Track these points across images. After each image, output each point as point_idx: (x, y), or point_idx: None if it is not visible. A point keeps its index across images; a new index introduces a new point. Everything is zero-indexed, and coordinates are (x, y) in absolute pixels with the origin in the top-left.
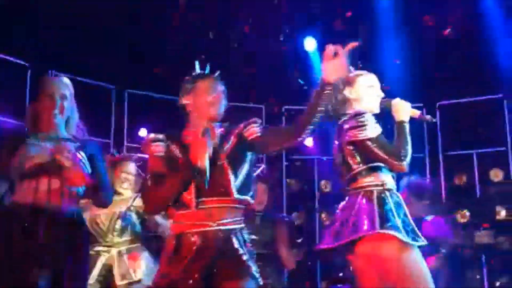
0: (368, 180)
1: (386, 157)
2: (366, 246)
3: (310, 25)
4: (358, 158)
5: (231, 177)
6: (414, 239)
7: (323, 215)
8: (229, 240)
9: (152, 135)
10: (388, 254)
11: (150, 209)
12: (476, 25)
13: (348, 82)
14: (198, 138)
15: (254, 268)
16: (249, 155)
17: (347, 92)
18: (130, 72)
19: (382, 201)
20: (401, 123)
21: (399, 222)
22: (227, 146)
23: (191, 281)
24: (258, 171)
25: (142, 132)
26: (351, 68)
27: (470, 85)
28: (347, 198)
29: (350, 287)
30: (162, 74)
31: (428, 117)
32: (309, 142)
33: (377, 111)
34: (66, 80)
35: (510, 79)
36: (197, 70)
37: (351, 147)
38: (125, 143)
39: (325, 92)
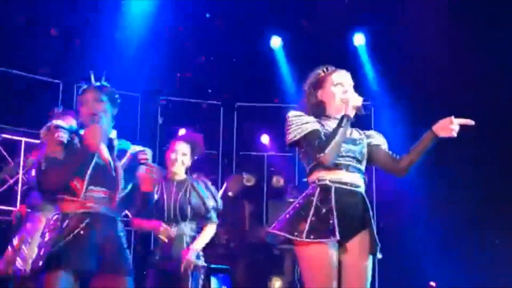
0: (309, 179)
1: (311, 152)
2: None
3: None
4: (302, 158)
5: (121, 179)
6: (319, 236)
7: None
8: (115, 226)
9: (57, 122)
10: (296, 252)
11: (46, 188)
12: None
13: (319, 84)
14: (92, 125)
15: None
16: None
17: (318, 95)
18: None
19: (304, 199)
20: (345, 116)
21: (309, 220)
22: (124, 158)
23: (77, 252)
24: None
25: None
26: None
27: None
28: None
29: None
30: None
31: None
32: (265, 139)
33: (348, 109)
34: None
35: None
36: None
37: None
38: None
39: None
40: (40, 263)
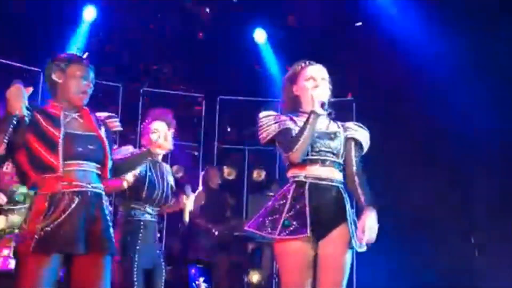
0: (287, 175)
1: (282, 149)
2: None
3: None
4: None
5: (108, 151)
6: (291, 233)
7: None
8: (102, 205)
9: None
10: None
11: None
12: None
13: (294, 79)
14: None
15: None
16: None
17: (294, 90)
18: None
19: (278, 197)
20: (312, 112)
21: (282, 217)
22: (102, 128)
23: (68, 235)
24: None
25: None
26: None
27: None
28: None
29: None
30: None
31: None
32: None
33: (317, 104)
34: None
35: None
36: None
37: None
38: None
39: None
40: (30, 246)
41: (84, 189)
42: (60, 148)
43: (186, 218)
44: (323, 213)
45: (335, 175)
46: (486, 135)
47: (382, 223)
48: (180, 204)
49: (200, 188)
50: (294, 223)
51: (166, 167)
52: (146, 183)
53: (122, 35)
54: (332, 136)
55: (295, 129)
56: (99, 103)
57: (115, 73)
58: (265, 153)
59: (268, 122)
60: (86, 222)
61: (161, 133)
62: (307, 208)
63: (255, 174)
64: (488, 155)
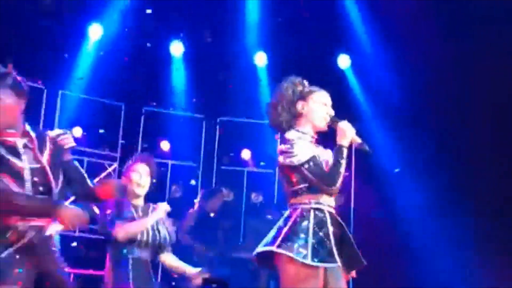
0: (297, 199)
1: (316, 180)
2: (277, 261)
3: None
4: (289, 180)
5: (53, 181)
6: (321, 261)
7: None
8: (51, 242)
9: None
10: (286, 272)
11: None
12: None
13: (302, 96)
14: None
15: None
16: (61, 163)
17: (299, 106)
18: None
19: (299, 220)
20: (341, 147)
21: (309, 242)
22: (46, 151)
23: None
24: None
25: None
26: (305, 82)
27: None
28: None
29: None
30: None
31: (367, 147)
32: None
33: (324, 129)
34: None
35: None
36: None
37: (282, 170)
38: None
39: None
40: None
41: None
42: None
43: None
44: (339, 242)
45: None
46: None
47: None
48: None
49: (196, 206)
50: (322, 251)
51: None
52: None
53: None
54: None
55: (317, 156)
56: (100, 121)
57: (117, 92)
58: (264, 176)
59: (301, 145)
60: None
61: (142, 175)
62: (331, 237)
63: (253, 196)
64: None
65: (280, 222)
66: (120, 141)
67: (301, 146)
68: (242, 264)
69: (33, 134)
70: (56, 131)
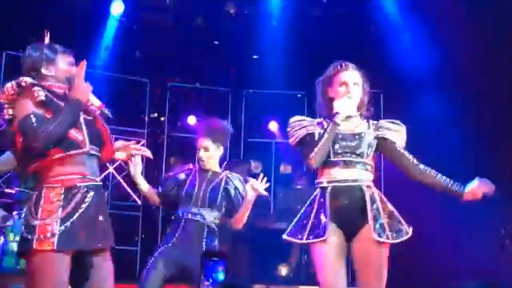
0: (316, 180)
1: (302, 157)
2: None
3: None
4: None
5: (110, 134)
6: (317, 236)
7: None
8: (104, 194)
9: (30, 80)
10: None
11: (39, 145)
12: None
13: (330, 82)
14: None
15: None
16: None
17: (329, 91)
18: None
19: (308, 203)
20: (331, 121)
21: (310, 222)
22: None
23: (85, 232)
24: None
25: None
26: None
27: None
28: None
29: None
30: None
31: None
32: (273, 126)
33: (345, 110)
34: None
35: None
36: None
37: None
38: None
39: None
40: (49, 243)
41: (94, 183)
42: (84, 126)
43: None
44: (346, 215)
45: (360, 175)
46: None
47: None
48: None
49: None
50: (317, 228)
51: (227, 177)
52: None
53: (149, 31)
54: (357, 136)
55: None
56: (127, 97)
57: (143, 68)
58: (292, 147)
59: (296, 127)
60: (96, 216)
61: (201, 150)
62: (328, 212)
63: (282, 167)
64: None
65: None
66: (147, 117)
67: (296, 127)
68: (274, 235)
69: None
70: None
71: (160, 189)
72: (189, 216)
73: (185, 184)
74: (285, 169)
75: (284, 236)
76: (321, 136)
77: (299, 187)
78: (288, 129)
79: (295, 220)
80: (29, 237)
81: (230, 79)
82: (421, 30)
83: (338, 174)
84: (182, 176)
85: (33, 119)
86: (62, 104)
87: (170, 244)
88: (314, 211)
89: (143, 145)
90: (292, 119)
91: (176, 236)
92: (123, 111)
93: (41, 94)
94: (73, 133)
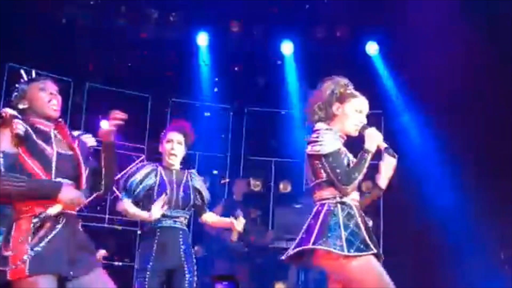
0: (322, 193)
1: (333, 176)
2: (315, 259)
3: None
4: (314, 170)
5: (83, 167)
6: (359, 250)
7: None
8: (78, 220)
9: (12, 112)
10: (329, 267)
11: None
12: None
13: (341, 99)
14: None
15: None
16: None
17: (335, 107)
18: None
19: (328, 216)
20: (366, 150)
21: (342, 235)
22: (76, 143)
23: (57, 256)
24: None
25: None
26: (349, 84)
27: None
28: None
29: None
30: None
31: (392, 152)
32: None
33: (355, 134)
34: None
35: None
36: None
37: (308, 160)
38: None
39: None
40: (22, 270)
41: (67, 211)
42: (54, 167)
43: (235, 237)
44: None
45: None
46: None
47: None
48: (229, 224)
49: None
50: (355, 241)
51: (190, 174)
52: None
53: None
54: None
55: (343, 155)
56: (127, 113)
57: (144, 83)
58: (292, 165)
59: (329, 137)
60: (70, 243)
61: (174, 144)
62: (362, 227)
63: (281, 186)
64: None
65: (309, 220)
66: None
67: (330, 138)
68: (271, 254)
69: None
70: (77, 132)
71: (129, 197)
72: (162, 223)
73: (155, 186)
74: (284, 187)
75: (314, 246)
76: (361, 166)
77: (298, 206)
78: (318, 135)
79: (309, 230)
80: (5, 269)
81: (231, 96)
82: None
83: (354, 195)
84: (150, 181)
85: (1, 160)
86: (41, 143)
87: (152, 257)
88: (342, 224)
89: (142, 160)
90: (321, 125)
91: (154, 248)
92: (123, 126)
93: (19, 128)
94: (32, 166)
